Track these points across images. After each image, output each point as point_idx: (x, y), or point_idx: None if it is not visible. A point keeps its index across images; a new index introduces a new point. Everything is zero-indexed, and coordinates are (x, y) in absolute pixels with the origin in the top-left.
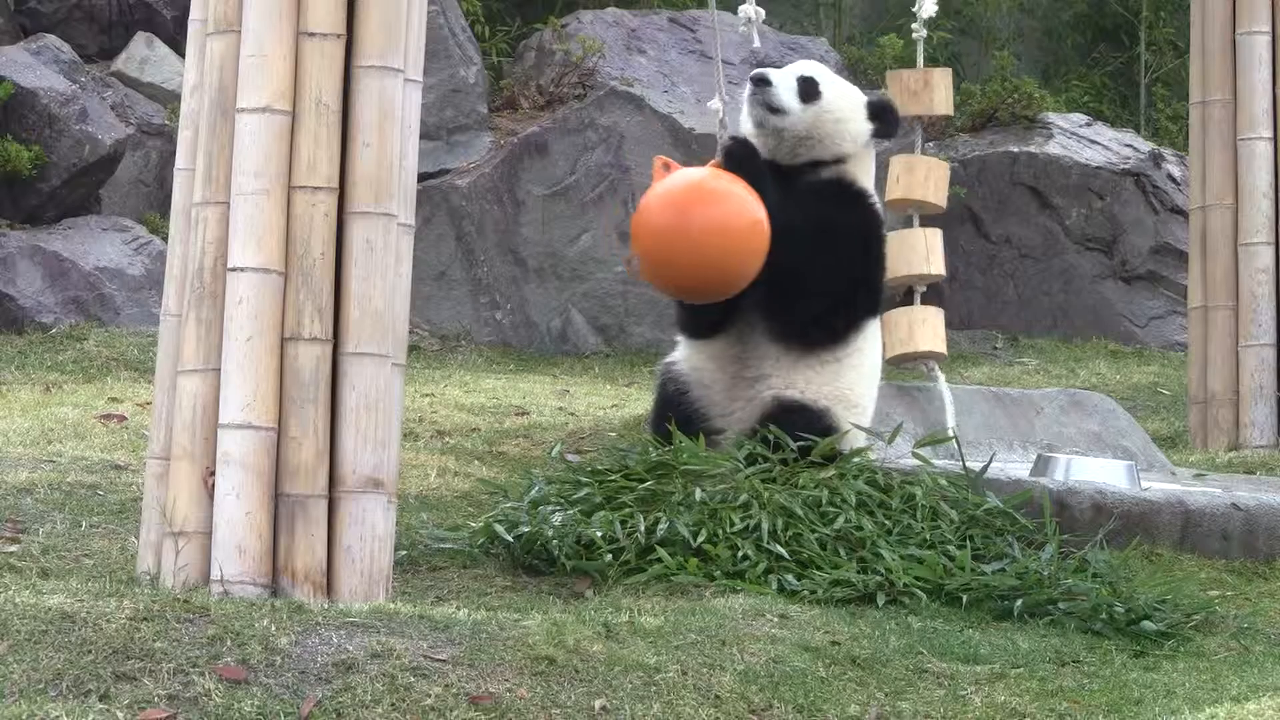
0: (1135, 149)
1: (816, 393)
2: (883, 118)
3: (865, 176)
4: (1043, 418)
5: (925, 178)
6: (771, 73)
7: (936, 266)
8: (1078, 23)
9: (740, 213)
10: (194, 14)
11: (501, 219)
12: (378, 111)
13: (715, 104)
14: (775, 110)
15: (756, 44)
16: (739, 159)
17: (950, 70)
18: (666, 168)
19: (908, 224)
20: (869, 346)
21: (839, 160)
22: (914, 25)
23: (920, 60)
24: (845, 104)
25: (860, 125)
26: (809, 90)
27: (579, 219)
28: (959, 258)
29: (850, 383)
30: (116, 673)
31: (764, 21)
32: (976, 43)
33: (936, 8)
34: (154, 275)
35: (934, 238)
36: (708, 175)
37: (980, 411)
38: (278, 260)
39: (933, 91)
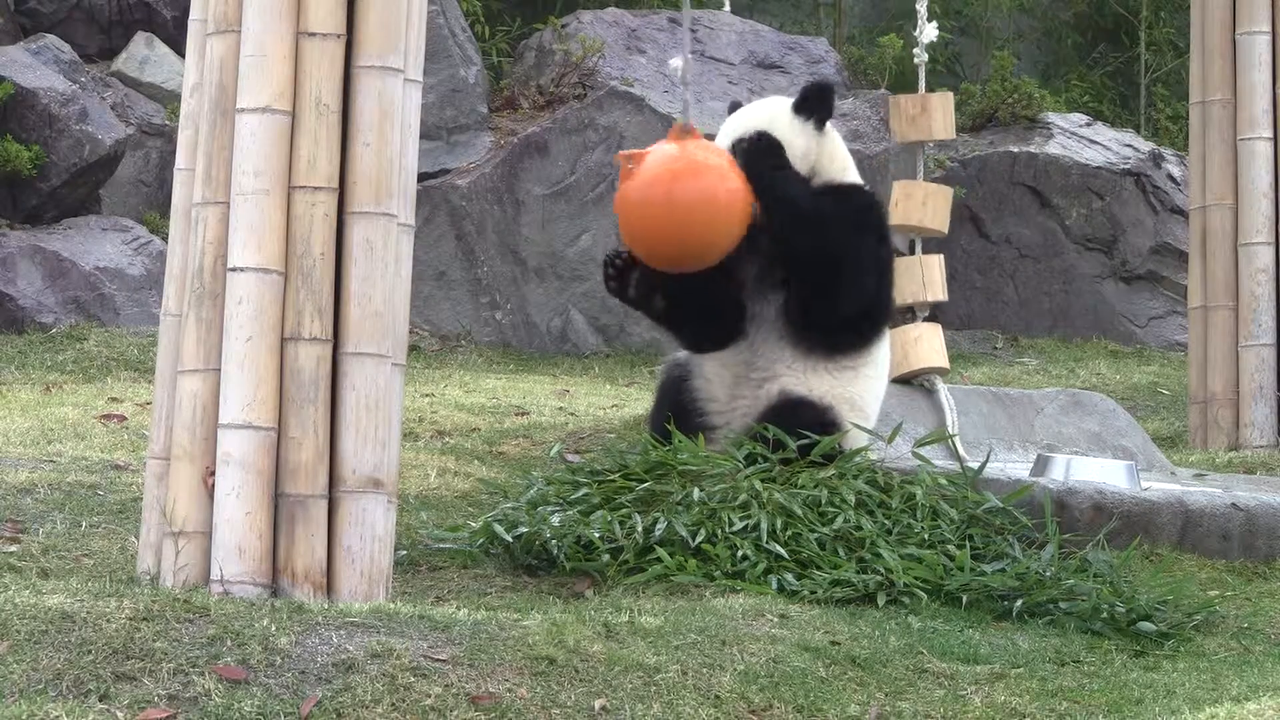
0: (1135, 149)
1: (824, 392)
2: (809, 107)
3: (845, 169)
4: (1043, 418)
5: (924, 203)
6: None
7: (935, 294)
8: (1078, 23)
9: (720, 182)
10: (194, 14)
11: (501, 219)
12: (378, 111)
13: (676, 62)
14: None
15: (727, 7)
16: (758, 155)
17: (950, 94)
18: (630, 159)
19: (911, 249)
20: (882, 357)
21: (814, 175)
22: (915, 50)
23: (922, 84)
24: (783, 132)
25: (804, 136)
26: None
27: (579, 219)
28: (959, 258)
29: (860, 390)
30: (116, 673)
31: (765, 22)
32: (976, 43)
33: (938, 33)
34: (154, 275)
35: (932, 265)
36: (688, 147)
37: (980, 411)
38: (278, 260)
39: (930, 117)
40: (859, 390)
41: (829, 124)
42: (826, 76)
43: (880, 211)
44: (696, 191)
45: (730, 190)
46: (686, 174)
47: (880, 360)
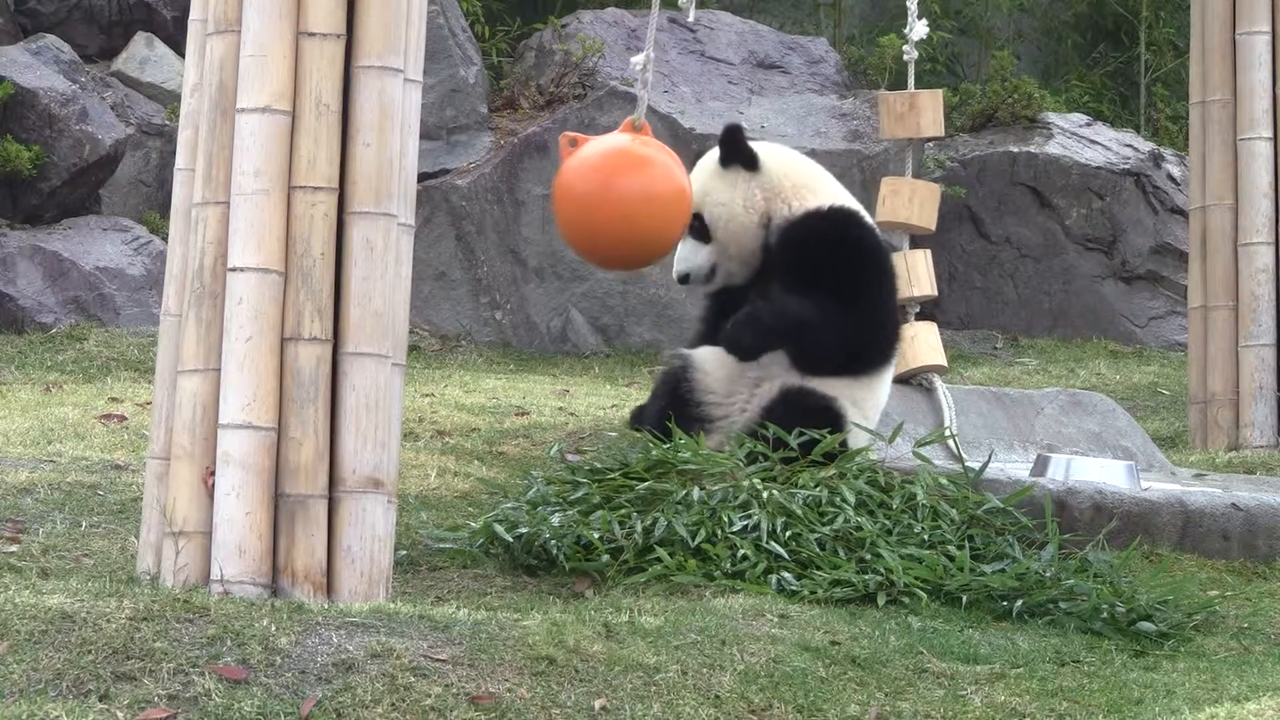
0: (1135, 149)
1: (827, 389)
2: (729, 157)
3: (808, 192)
4: (1043, 418)
5: (910, 199)
6: (683, 267)
7: (922, 289)
8: (1078, 23)
9: (664, 179)
10: (194, 14)
11: (501, 219)
12: (378, 111)
13: (638, 59)
14: (710, 277)
15: (691, 16)
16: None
17: (940, 92)
18: (574, 144)
19: (901, 244)
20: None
21: (770, 216)
22: (904, 47)
23: (911, 82)
24: (714, 188)
25: (738, 186)
26: (699, 230)
27: None
28: (959, 258)
29: (863, 393)
30: (116, 673)
31: (765, 22)
32: (976, 43)
33: (927, 30)
34: (154, 275)
35: (917, 260)
36: (632, 141)
37: (980, 411)
38: (278, 260)
39: (919, 114)
40: (861, 393)
41: (772, 154)
42: (827, 75)
43: (852, 232)
44: (637, 186)
45: (672, 189)
46: (628, 167)
47: (886, 367)
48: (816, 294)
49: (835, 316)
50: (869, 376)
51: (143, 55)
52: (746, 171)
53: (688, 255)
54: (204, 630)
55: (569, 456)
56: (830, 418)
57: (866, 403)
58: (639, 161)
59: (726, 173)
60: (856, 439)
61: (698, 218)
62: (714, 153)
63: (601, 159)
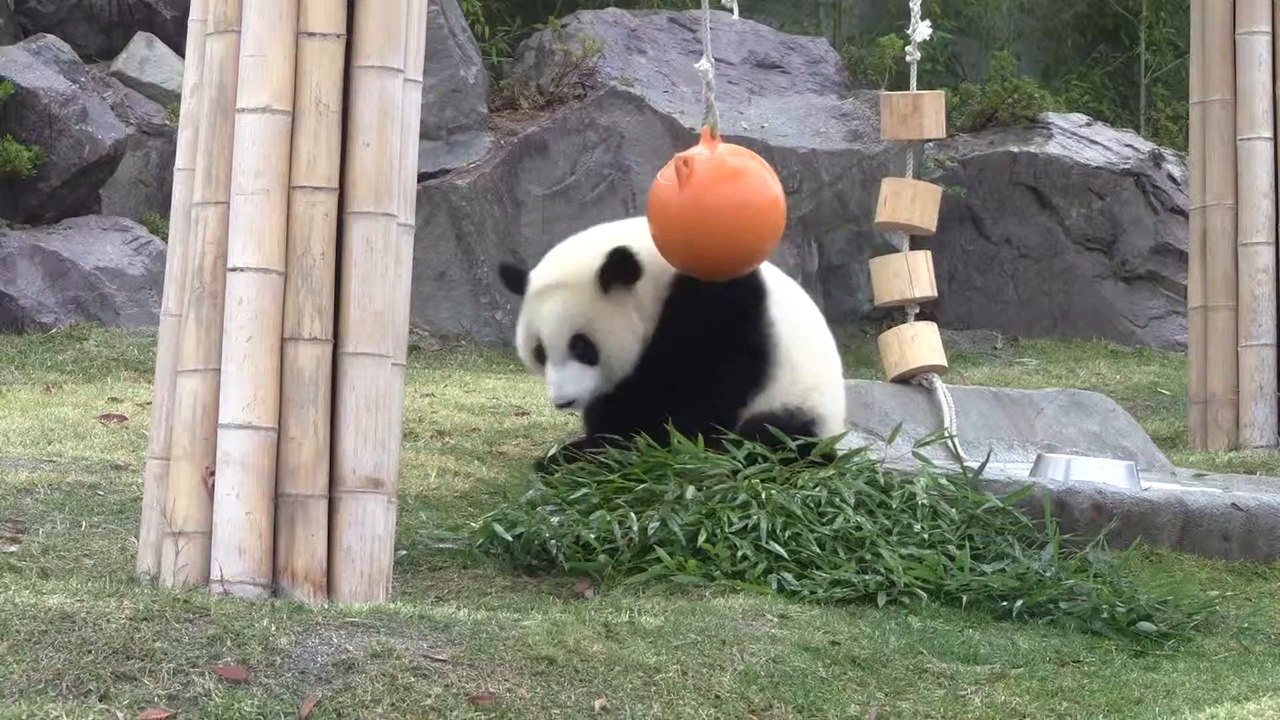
0: (1135, 149)
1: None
2: (614, 279)
3: (657, 276)
4: (1043, 418)
5: (912, 201)
6: (568, 391)
7: (921, 290)
8: (1078, 23)
9: (760, 189)
10: (194, 14)
11: (501, 219)
12: (378, 111)
13: (703, 64)
14: (594, 393)
15: (735, 14)
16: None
17: (942, 93)
18: (685, 163)
19: (902, 244)
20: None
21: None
22: (907, 48)
23: (914, 83)
24: (601, 313)
25: (622, 306)
26: (586, 353)
27: (579, 219)
28: (959, 258)
29: (817, 400)
30: (116, 673)
31: (765, 22)
32: (976, 43)
33: (931, 31)
34: (154, 275)
35: (917, 261)
36: (726, 152)
37: (980, 411)
38: (278, 260)
39: (922, 116)
40: (815, 401)
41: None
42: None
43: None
44: (734, 196)
45: (769, 198)
46: (724, 178)
47: (793, 374)
48: (673, 370)
49: (703, 377)
50: (771, 379)
51: (143, 55)
52: (628, 286)
53: (573, 379)
54: (204, 630)
55: None
56: (806, 428)
57: (828, 390)
58: (734, 172)
59: (610, 295)
60: (854, 439)
61: (582, 340)
62: (581, 267)
63: (698, 170)
